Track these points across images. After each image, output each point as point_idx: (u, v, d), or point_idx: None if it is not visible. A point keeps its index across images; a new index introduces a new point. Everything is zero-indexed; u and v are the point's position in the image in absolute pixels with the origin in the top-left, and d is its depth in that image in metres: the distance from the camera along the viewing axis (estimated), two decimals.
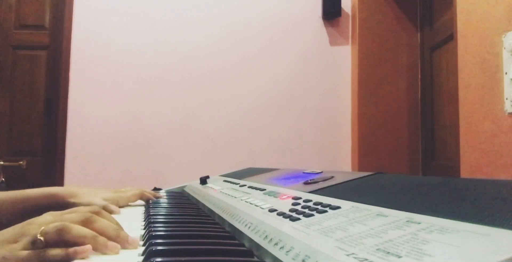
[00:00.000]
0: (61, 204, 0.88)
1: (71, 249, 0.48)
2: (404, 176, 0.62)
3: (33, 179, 2.34)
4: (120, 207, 0.93)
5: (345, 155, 2.45)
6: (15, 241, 0.49)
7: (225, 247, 0.49)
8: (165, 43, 2.45)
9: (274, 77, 2.48)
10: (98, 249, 0.49)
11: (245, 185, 0.88)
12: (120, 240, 0.52)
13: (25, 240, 0.49)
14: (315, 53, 2.50)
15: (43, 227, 0.49)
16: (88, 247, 0.49)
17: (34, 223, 0.51)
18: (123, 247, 0.51)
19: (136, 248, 0.52)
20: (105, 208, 0.86)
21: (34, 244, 0.48)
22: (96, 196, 0.92)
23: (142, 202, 1.05)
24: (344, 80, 2.49)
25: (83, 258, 0.48)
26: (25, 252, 0.48)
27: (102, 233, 0.51)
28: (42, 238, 0.48)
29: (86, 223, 0.52)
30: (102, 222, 0.53)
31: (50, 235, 0.49)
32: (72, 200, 0.89)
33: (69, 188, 0.92)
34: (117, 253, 0.50)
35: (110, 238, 0.51)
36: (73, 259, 0.47)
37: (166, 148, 2.40)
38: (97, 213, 0.55)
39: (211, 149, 2.42)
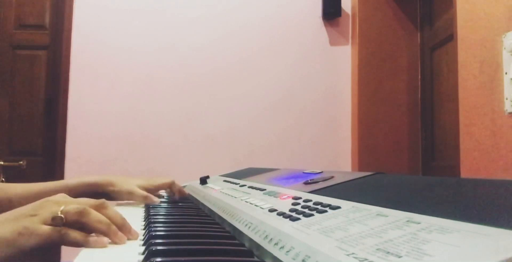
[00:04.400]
0: (99, 193, 0.92)
1: (92, 238, 0.50)
2: (404, 176, 0.62)
3: (33, 179, 2.32)
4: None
5: (345, 155, 2.45)
6: (34, 214, 0.51)
7: (225, 247, 0.49)
8: (165, 43, 2.45)
9: (274, 77, 2.48)
10: (108, 236, 0.52)
11: (245, 185, 0.88)
12: (125, 229, 0.54)
13: (45, 215, 0.50)
14: (315, 53, 2.50)
15: (63, 207, 0.51)
16: (106, 240, 0.51)
17: (50, 200, 0.54)
18: (126, 236, 0.54)
19: (136, 239, 0.55)
20: (146, 199, 0.92)
21: (54, 220, 0.50)
22: (132, 184, 0.95)
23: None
24: (344, 80, 2.49)
25: (99, 247, 0.50)
26: (46, 227, 0.49)
27: (111, 220, 0.53)
28: (62, 216, 0.50)
29: (99, 208, 0.54)
30: (112, 210, 0.56)
31: (71, 215, 0.51)
32: (111, 188, 0.93)
33: (106, 177, 0.95)
34: (124, 243, 0.53)
35: (117, 226, 0.53)
36: (90, 246, 0.50)
37: (166, 148, 2.40)
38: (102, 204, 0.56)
39: (211, 149, 2.42)
